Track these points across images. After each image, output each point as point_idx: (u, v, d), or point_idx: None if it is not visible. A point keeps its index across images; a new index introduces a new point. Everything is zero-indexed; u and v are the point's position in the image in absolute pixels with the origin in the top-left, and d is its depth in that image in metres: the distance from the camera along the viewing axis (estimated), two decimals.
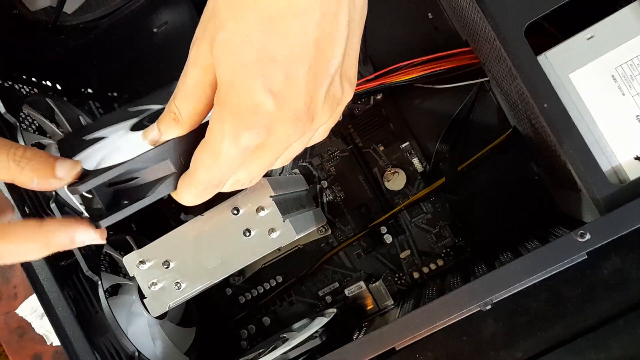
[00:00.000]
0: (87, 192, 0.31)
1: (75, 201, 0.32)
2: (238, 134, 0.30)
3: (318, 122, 0.32)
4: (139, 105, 0.43)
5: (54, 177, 0.31)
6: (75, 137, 0.40)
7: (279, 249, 0.56)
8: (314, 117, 0.31)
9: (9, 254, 0.32)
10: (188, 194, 0.33)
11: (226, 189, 0.34)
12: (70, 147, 0.37)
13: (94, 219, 0.32)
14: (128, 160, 0.31)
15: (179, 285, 0.45)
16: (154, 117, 0.37)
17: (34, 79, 0.55)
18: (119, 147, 0.35)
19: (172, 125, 0.32)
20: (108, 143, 0.37)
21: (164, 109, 0.38)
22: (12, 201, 0.37)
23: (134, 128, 0.38)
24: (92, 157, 0.35)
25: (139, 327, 0.50)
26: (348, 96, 0.33)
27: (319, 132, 0.35)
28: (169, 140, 0.32)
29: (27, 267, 0.43)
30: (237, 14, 0.29)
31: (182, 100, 0.32)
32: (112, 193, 0.32)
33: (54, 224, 0.33)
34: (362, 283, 0.54)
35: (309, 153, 0.58)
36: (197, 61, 0.30)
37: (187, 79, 0.31)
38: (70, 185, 0.31)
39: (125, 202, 0.32)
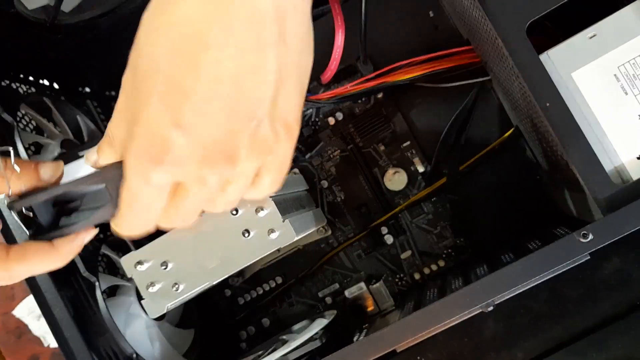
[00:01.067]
0: (27, 210, 0.32)
1: (15, 216, 0.32)
2: (147, 171, 0.28)
3: (243, 167, 0.29)
4: None
5: (39, 180, 0.31)
6: (74, 151, 0.42)
7: (278, 250, 0.55)
8: (235, 161, 0.28)
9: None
10: (121, 229, 0.31)
11: (163, 227, 0.32)
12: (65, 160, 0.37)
13: (33, 236, 0.32)
14: (64, 184, 0.31)
15: (177, 286, 0.45)
16: None
17: (31, 78, 0.55)
18: (83, 166, 0.34)
19: (106, 149, 0.30)
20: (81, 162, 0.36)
21: None
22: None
23: None
24: (68, 174, 0.35)
25: (137, 328, 0.50)
26: (286, 143, 0.30)
27: (264, 183, 0.32)
28: (106, 166, 0.31)
29: None
30: (151, 39, 0.27)
31: (115, 124, 0.29)
32: (55, 212, 0.32)
33: (20, 253, 0.32)
34: (362, 284, 0.53)
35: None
36: (124, 88, 0.29)
37: (118, 103, 0.29)
38: (10, 202, 0.31)
39: (62, 225, 0.32)
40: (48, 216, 0.32)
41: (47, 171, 0.32)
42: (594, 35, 0.38)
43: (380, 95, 0.55)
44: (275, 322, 0.58)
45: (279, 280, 0.58)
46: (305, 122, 0.57)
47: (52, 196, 0.31)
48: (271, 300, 0.58)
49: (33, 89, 0.54)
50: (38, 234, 0.32)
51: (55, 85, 0.58)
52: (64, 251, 0.32)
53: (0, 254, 0.31)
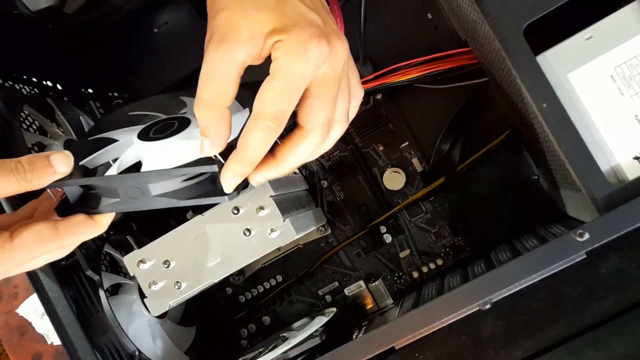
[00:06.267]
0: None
1: (50, 193, 0.38)
2: (306, 46, 0.32)
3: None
4: (138, 109, 0.44)
5: (56, 173, 0.35)
6: (83, 138, 0.44)
7: (278, 249, 0.56)
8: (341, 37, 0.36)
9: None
10: (255, 133, 0.34)
11: (332, 135, 0.36)
12: (78, 148, 0.41)
13: (59, 208, 0.38)
14: (100, 177, 0.38)
15: (179, 284, 0.45)
16: (159, 129, 0.40)
17: (34, 79, 0.55)
18: (130, 153, 0.39)
19: None
20: (117, 148, 0.40)
21: (168, 119, 0.41)
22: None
23: (140, 136, 0.40)
24: (101, 158, 0.39)
25: (139, 326, 0.50)
26: None
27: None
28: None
29: None
30: None
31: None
32: (82, 193, 0.38)
33: (68, 225, 0.36)
34: (361, 282, 0.54)
35: None
36: (253, 38, 0.33)
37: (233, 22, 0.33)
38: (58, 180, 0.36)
39: (87, 208, 0.38)
40: (75, 194, 0.38)
41: (60, 165, 0.35)
42: (591, 37, 0.38)
43: (379, 96, 0.56)
44: (275, 320, 0.59)
45: (279, 278, 0.58)
46: None
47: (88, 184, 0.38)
48: (271, 299, 0.59)
49: (36, 90, 0.54)
50: (62, 206, 0.38)
51: (58, 86, 0.58)
52: (102, 222, 0.37)
53: (53, 231, 0.35)
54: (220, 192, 0.36)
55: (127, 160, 0.39)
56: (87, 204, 0.38)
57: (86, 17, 0.53)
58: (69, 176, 0.36)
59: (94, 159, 0.39)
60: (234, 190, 0.36)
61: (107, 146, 0.40)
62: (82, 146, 0.41)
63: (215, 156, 0.35)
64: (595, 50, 0.38)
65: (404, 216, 0.56)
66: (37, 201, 0.40)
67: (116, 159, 0.39)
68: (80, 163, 0.39)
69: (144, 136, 0.40)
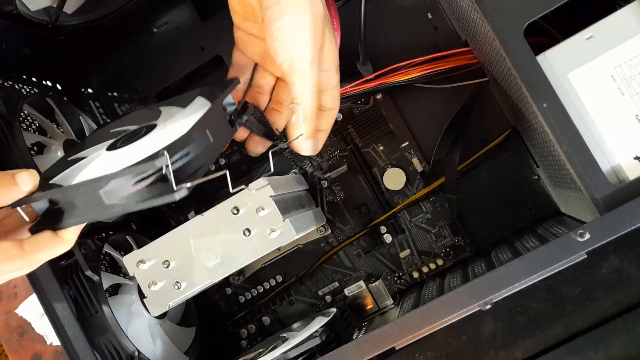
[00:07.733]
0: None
1: (20, 211, 0.38)
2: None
3: None
4: (119, 125, 0.45)
5: (21, 192, 0.36)
6: (63, 159, 0.44)
7: (278, 249, 0.56)
8: None
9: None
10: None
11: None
12: (55, 168, 0.41)
13: (35, 226, 0.38)
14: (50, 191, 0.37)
15: (178, 284, 0.45)
16: (127, 138, 0.40)
17: (34, 79, 0.55)
18: (95, 165, 0.39)
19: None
20: (84, 163, 0.40)
21: (138, 129, 0.41)
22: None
23: (109, 148, 0.40)
24: (71, 176, 0.39)
25: (139, 326, 0.50)
26: None
27: None
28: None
29: None
30: None
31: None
32: (50, 208, 0.38)
33: (33, 243, 0.36)
34: (361, 282, 0.54)
35: None
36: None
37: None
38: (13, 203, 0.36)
39: (62, 219, 0.38)
40: (43, 209, 0.38)
41: (26, 184, 0.36)
42: (591, 37, 0.38)
43: (379, 96, 0.55)
44: (275, 320, 0.59)
45: (279, 278, 0.58)
46: None
47: (50, 198, 0.37)
48: (271, 299, 0.58)
49: (36, 90, 0.54)
50: (38, 224, 0.37)
51: (58, 86, 0.58)
52: (67, 238, 0.37)
53: (17, 250, 0.35)
54: (169, 191, 0.35)
55: (93, 173, 0.38)
56: (53, 218, 0.38)
57: (86, 17, 0.53)
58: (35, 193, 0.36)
59: (66, 176, 0.39)
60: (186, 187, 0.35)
61: (78, 162, 0.40)
62: (57, 165, 0.42)
63: (161, 152, 0.34)
64: (596, 50, 0.38)
65: (404, 216, 0.56)
66: (5, 210, 0.39)
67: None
68: (52, 181, 0.39)
69: (111, 147, 0.40)
